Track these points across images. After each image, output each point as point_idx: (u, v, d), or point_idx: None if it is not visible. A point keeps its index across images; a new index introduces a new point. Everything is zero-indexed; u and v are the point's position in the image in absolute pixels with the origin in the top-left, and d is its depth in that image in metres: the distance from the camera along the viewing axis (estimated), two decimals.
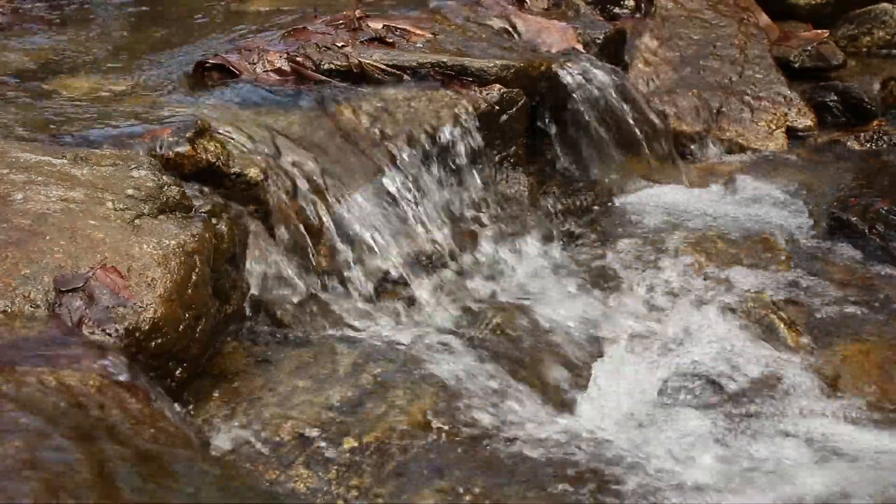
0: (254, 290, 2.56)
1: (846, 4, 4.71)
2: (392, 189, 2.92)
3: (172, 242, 2.22)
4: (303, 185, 2.73)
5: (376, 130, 3.01)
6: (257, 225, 2.63)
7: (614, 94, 3.58)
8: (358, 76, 3.17)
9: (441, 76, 3.23)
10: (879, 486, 2.10)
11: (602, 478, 2.09)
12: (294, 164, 2.75)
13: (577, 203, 3.46)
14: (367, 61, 3.19)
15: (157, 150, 2.52)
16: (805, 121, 4.04)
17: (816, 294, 2.93)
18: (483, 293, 2.90)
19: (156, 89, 3.08)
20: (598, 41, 3.92)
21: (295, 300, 2.63)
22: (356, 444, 2.11)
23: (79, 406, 1.74)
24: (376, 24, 3.41)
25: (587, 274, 3.06)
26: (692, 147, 3.90)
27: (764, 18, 4.46)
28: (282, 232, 2.67)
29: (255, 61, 3.15)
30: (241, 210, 2.58)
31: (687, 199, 3.55)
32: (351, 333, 2.58)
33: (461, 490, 2.04)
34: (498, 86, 3.25)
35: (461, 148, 3.11)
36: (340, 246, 2.75)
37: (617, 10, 4.40)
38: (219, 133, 2.67)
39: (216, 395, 2.26)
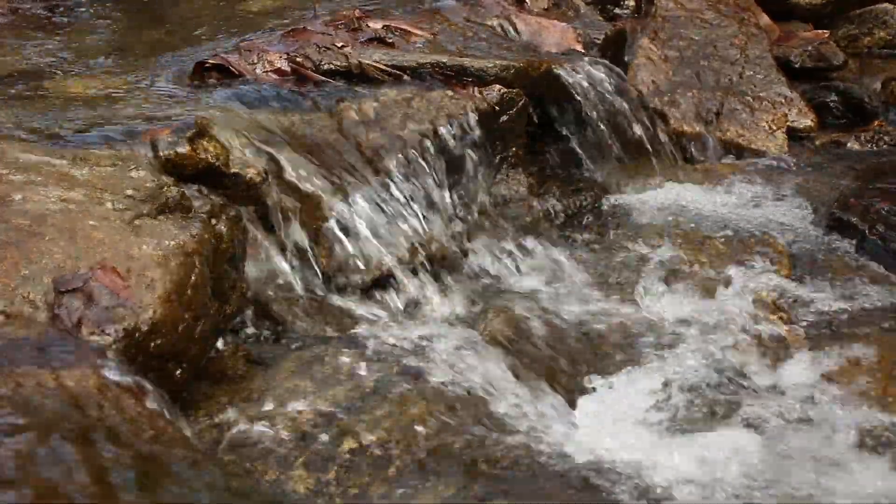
0: (253, 291, 2.56)
1: (846, 4, 4.71)
2: (392, 189, 2.91)
3: (172, 243, 2.22)
4: (302, 185, 2.73)
5: (376, 131, 3.01)
6: (257, 225, 2.63)
7: (614, 95, 3.58)
8: (358, 76, 3.17)
9: (441, 76, 3.23)
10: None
11: (602, 486, 2.09)
12: (293, 164, 2.75)
13: (577, 203, 3.45)
14: (367, 62, 3.19)
15: (157, 150, 2.51)
16: (805, 121, 4.03)
17: (816, 294, 2.92)
18: (483, 293, 2.90)
19: (155, 89, 3.08)
20: (598, 41, 3.92)
21: (295, 300, 2.62)
22: (356, 445, 2.11)
23: (77, 407, 1.73)
24: (376, 25, 3.41)
25: (587, 273, 3.06)
26: (692, 147, 3.89)
27: (764, 18, 4.46)
28: (281, 232, 2.67)
29: (255, 62, 3.15)
30: (241, 211, 2.58)
31: (687, 200, 3.55)
32: (351, 333, 2.58)
33: (462, 491, 2.04)
34: (498, 86, 3.25)
35: (461, 148, 3.11)
36: (340, 246, 2.75)
37: (617, 10, 4.41)
38: (218, 134, 2.66)
39: (216, 395, 2.25)
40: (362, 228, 2.78)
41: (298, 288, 2.65)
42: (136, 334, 2.06)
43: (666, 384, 2.48)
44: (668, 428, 2.32)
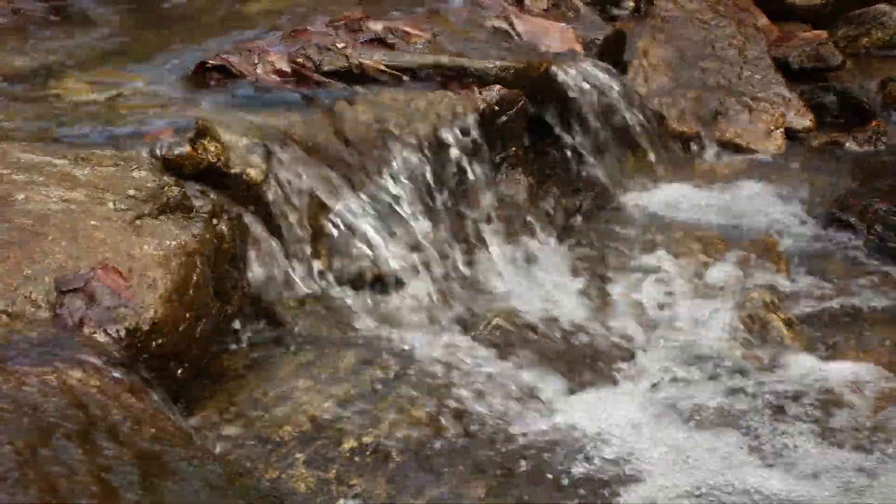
0: (254, 291, 2.57)
1: (845, 5, 4.71)
2: (392, 189, 2.92)
3: (173, 243, 2.23)
4: (303, 185, 2.74)
5: (376, 131, 3.01)
6: (258, 225, 2.64)
7: (613, 95, 3.59)
8: (358, 77, 3.17)
9: (441, 77, 3.24)
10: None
11: (601, 484, 2.10)
12: (294, 164, 2.76)
13: (577, 203, 3.46)
14: (368, 62, 3.19)
15: (158, 150, 2.52)
16: (803, 121, 4.04)
17: (815, 294, 2.93)
18: (483, 293, 2.91)
19: (156, 90, 3.08)
20: (598, 42, 3.91)
21: (295, 300, 2.63)
22: (356, 444, 2.12)
23: (80, 406, 1.74)
24: (376, 26, 3.41)
25: (586, 273, 3.06)
26: (691, 148, 3.90)
27: (763, 19, 4.46)
28: (282, 232, 2.68)
29: (256, 62, 3.15)
30: (242, 210, 2.59)
31: (685, 200, 3.56)
32: (351, 333, 2.58)
33: (461, 491, 2.05)
34: (497, 86, 3.25)
35: (461, 148, 3.11)
36: (340, 246, 2.76)
37: (616, 10, 4.40)
38: (219, 134, 2.67)
39: (217, 395, 2.26)
40: (362, 229, 2.79)
41: (299, 288, 2.66)
42: (138, 334, 2.06)
43: (663, 382, 2.49)
44: (664, 425, 2.33)
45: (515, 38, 3.72)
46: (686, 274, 3.00)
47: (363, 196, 2.84)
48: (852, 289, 2.96)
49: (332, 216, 2.75)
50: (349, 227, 2.78)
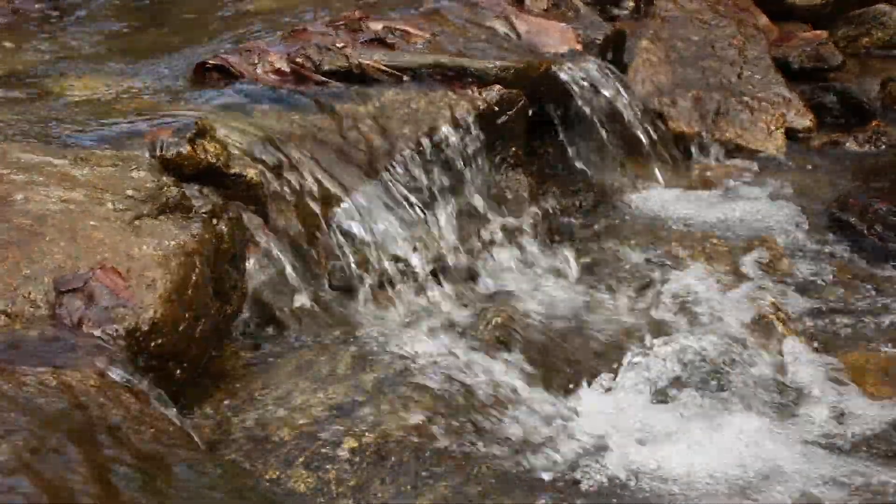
0: (254, 291, 2.57)
1: (845, 5, 4.71)
2: (391, 190, 2.92)
3: (172, 243, 2.23)
4: (303, 185, 2.74)
5: (376, 131, 3.02)
6: (257, 225, 2.64)
7: (613, 95, 3.59)
8: (358, 77, 3.17)
9: (441, 77, 3.24)
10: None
11: (603, 483, 2.10)
12: (294, 164, 2.76)
13: (577, 203, 3.46)
14: (367, 62, 3.19)
15: (158, 150, 2.52)
16: (804, 122, 4.04)
17: (815, 294, 2.94)
18: (482, 293, 2.91)
19: (156, 90, 3.09)
20: (598, 42, 3.92)
21: (295, 300, 2.63)
22: (356, 445, 2.12)
23: (79, 406, 1.74)
24: (376, 25, 3.41)
25: (586, 274, 3.06)
26: (691, 148, 3.90)
27: (763, 19, 4.46)
28: (281, 232, 2.68)
29: (256, 62, 3.15)
30: (241, 210, 2.59)
31: (686, 200, 3.56)
32: (351, 333, 2.58)
33: (462, 490, 2.05)
34: (497, 87, 3.26)
35: (460, 148, 3.12)
36: (340, 246, 2.76)
37: (616, 10, 4.41)
38: (219, 134, 2.67)
39: (216, 395, 2.26)
40: (362, 229, 2.79)
41: (298, 288, 2.66)
42: (137, 334, 2.07)
43: (663, 381, 2.49)
44: (664, 423, 2.33)
45: (515, 38, 3.72)
46: (685, 274, 3.00)
47: (363, 196, 2.85)
48: (852, 289, 2.96)
49: (331, 216, 2.76)
50: (348, 227, 2.78)
